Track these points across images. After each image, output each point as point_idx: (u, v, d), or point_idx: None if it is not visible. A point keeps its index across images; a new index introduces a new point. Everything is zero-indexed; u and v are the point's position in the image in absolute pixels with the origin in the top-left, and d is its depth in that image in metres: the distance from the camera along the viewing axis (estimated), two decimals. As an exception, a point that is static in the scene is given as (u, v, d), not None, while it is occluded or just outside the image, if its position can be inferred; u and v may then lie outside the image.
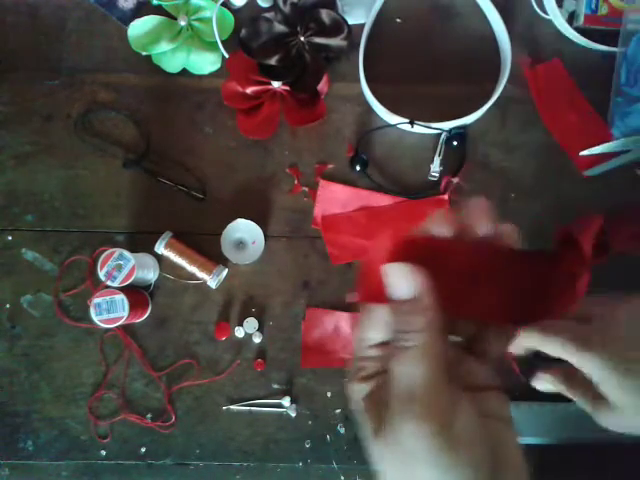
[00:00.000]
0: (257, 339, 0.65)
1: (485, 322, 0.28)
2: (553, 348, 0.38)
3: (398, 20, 0.71)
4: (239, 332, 0.64)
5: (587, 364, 0.37)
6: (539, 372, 0.43)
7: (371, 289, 0.26)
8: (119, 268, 0.59)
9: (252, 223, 0.64)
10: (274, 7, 0.67)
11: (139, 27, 0.67)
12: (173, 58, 0.67)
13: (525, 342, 0.40)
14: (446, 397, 0.23)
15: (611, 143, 0.65)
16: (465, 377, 0.27)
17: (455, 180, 0.67)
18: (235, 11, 0.69)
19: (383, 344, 0.27)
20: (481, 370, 0.27)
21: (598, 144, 0.65)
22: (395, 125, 0.67)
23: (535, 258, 0.28)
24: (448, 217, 0.27)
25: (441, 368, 0.23)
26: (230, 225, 0.63)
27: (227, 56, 0.67)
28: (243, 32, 0.66)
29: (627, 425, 0.39)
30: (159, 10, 0.69)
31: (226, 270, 0.65)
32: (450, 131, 0.66)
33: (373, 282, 0.26)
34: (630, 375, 0.36)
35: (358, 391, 0.27)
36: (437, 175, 0.67)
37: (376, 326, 0.26)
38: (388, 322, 0.26)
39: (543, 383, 0.43)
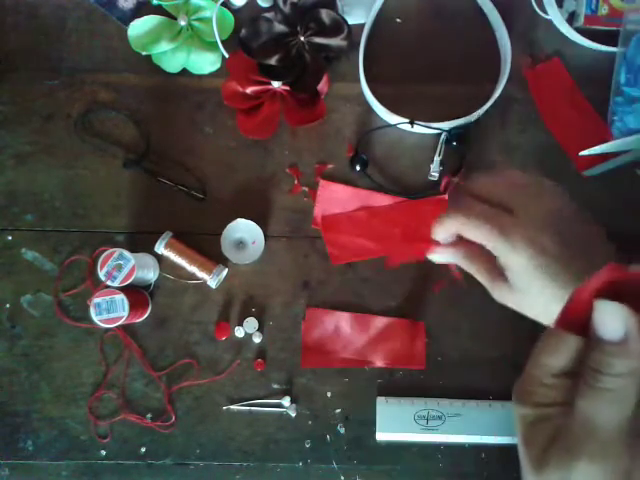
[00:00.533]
0: (257, 339, 0.65)
1: None
2: (476, 234, 0.40)
3: (398, 20, 0.71)
4: (239, 332, 0.64)
5: (505, 253, 0.39)
6: (440, 247, 0.43)
7: (574, 317, 0.25)
8: (119, 268, 0.59)
9: (252, 223, 0.64)
10: (274, 7, 0.67)
11: (139, 27, 0.67)
12: (173, 58, 0.67)
13: (449, 226, 0.41)
14: (628, 445, 0.23)
15: (611, 143, 0.65)
16: None
17: (455, 180, 0.66)
18: (235, 11, 0.69)
19: (565, 374, 0.26)
20: None
21: (598, 144, 0.65)
22: (395, 125, 0.67)
23: None
24: None
25: (629, 416, 0.23)
26: (230, 225, 0.63)
27: (227, 56, 0.67)
28: (243, 32, 0.66)
29: (527, 304, 0.41)
30: (159, 10, 0.69)
31: (226, 270, 0.65)
32: (450, 131, 0.66)
33: (579, 310, 0.25)
34: (541, 269, 0.38)
35: (524, 415, 0.26)
36: (437, 175, 0.67)
37: (564, 355, 0.25)
38: (579, 355, 0.25)
39: (442, 257, 0.44)
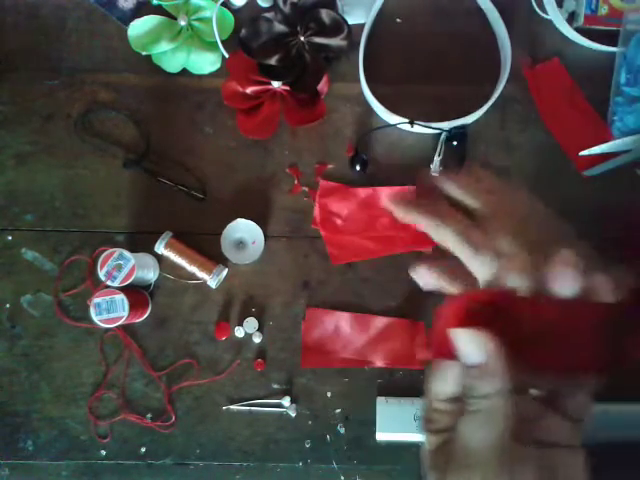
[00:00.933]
0: (257, 339, 0.65)
1: (569, 376, 0.27)
2: (442, 239, 0.36)
3: (398, 20, 0.71)
4: (239, 332, 0.64)
5: (475, 267, 0.36)
6: (419, 267, 0.39)
7: (442, 347, 0.26)
8: (119, 268, 0.59)
9: (252, 223, 0.64)
10: (274, 7, 0.67)
11: (139, 27, 0.67)
12: (173, 58, 0.67)
13: (417, 218, 0.37)
14: (506, 463, 0.23)
15: (611, 143, 0.65)
16: (541, 434, 0.26)
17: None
18: (235, 11, 0.69)
19: (456, 399, 0.26)
20: (559, 426, 0.27)
21: (598, 144, 0.65)
22: (395, 125, 0.67)
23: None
24: (526, 271, 0.26)
25: (504, 433, 0.24)
26: (230, 225, 0.63)
27: (227, 56, 0.67)
28: (243, 32, 0.66)
29: None
30: (159, 10, 0.69)
31: (226, 270, 0.65)
32: (450, 131, 0.66)
33: (445, 340, 0.25)
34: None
35: (428, 441, 0.27)
36: (437, 175, 0.67)
37: (449, 381, 0.26)
38: (460, 379, 0.26)
39: (423, 278, 0.40)
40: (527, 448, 0.25)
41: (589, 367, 0.27)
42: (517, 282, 0.26)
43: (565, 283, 0.25)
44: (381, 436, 0.63)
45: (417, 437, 0.62)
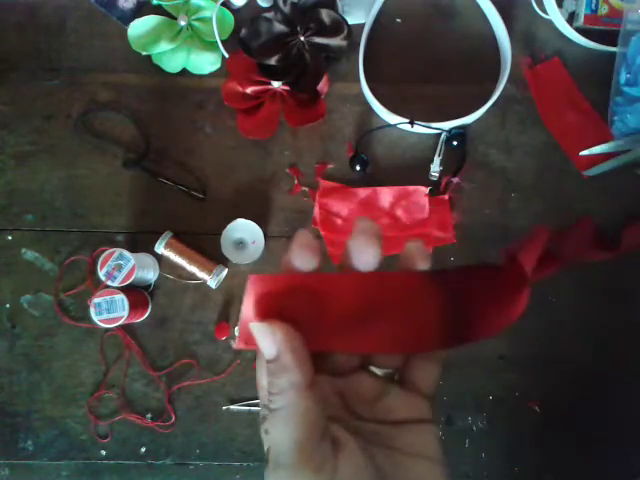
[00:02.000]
0: (257, 339, 0.64)
1: (409, 350, 0.26)
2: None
3: (398, 20, 0.71)
4: (239, 332, 0.64)
5: None
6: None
7: (250, 338, 0.24)
8: (119, 268, 0.59)
9: (252, 223, 0.64)
10: (274, 7, 0.67)
11: (139, 27, 0.67)
12: (173, 58, 0.67)
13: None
14: (317, 457, 0.22)
15: (611, 143, 0.65)
16: (384, 412, 0.25)
17: (455, 180, 0.67)
18: (235, 11, 0.69)
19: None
20: (406, 403, 0.26)
21: (598, 144, 0.65)
22: (395, 125, 0.67)
23: (474, 274, 0.26)
24: (311, 248, 0.25)
25: (309, 427, 0.22)
26: (230, 225, 0.63)
27: (227, 56, 0.67)
28: (243, 32, 0.66)
29: None
30: (159, 10, 0.69)
31: (226, 270, 0.65)
32: (450, 131, 0.66)
33: (247, 330, 0.24)
34: None
35: (263, 441, 0.25)
36: (437, 175, 0.67)
37: (264, 375, 0.25)
38: None
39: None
40: (347, 437, 0.23)
41: (429, 340, 0.25)
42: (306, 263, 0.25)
43: (361, 252, 0.24)
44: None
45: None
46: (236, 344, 0.25)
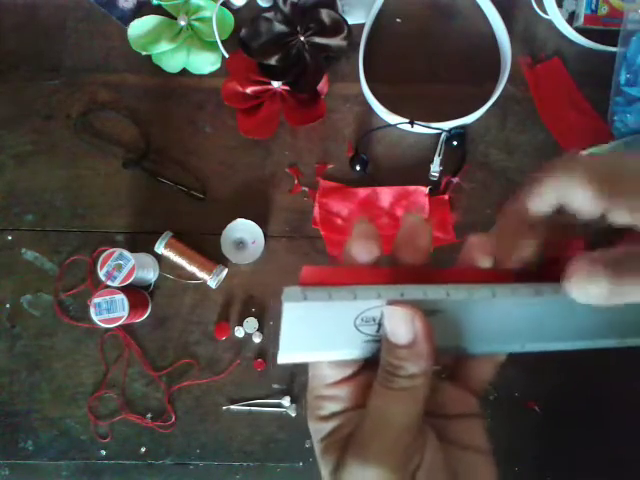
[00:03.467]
0: (257, 339, 0.64)
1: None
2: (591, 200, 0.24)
3: (398, 20, 0.71)
4: (239, 332, 0.64)
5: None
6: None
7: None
8: (119, 268, 0.59)
9: (252, 223, 0.64)
10: (274, 7, 0.67)
11: (139, 27, 0.67)
12: (173, 58, 0.67)
13: (555, 190, 0.26)
14: (415, 442, 0.24)
15: (611, 143, 0.65)
16: (440, 407, 0.27)
17: (455, 180, 0.67)
18: (235, 11, 0.69)
19: (345, 380, 0.26)
20: (458, 399, 0.27)
21: (598, 144, 0.65)
22: (395, 125, 0.67)
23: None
24: (371, 238, 0.25)
25: (420, 413, 0.24)
26: (230, 225, 0.63)
27: (227, 56, 0.67)
28: (243, 32, 0.66)
29: None
30: (159, 10, 0.69)
31: (226, 270, 0.65)
32: (450, 131, 0.66)
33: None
34: None
35: (316, 431, 0.26)
36: (437, 175, 0.67)
37: (333, 368, 0.26)
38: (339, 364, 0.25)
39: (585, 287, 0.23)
40: (428, 428, 0.25)
41: None
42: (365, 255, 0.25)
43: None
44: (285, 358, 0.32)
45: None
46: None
